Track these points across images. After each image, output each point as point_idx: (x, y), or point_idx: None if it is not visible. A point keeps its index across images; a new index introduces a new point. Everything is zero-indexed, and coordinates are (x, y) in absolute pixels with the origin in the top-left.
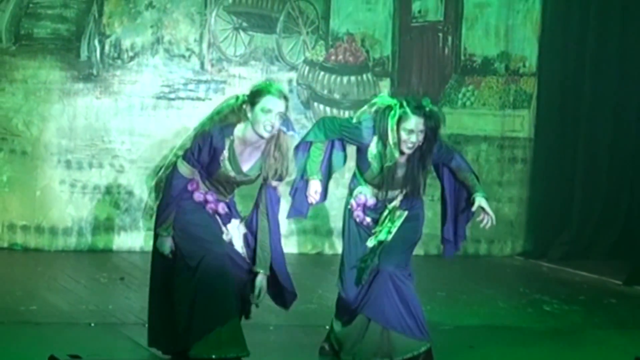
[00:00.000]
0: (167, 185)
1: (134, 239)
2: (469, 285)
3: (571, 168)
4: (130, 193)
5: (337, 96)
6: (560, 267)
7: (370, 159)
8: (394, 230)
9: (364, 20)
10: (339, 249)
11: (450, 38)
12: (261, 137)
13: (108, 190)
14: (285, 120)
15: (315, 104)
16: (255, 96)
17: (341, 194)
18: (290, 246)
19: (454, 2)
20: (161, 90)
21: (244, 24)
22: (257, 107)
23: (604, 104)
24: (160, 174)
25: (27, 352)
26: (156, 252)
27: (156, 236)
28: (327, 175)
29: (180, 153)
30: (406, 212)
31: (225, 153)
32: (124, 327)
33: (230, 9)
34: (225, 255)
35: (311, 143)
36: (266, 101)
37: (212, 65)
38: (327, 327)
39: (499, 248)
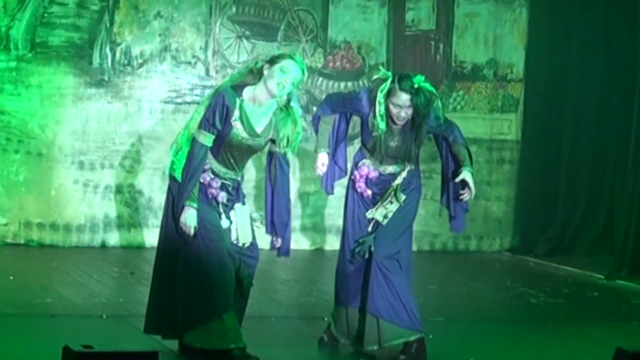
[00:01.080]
0: (188, 158)
1: (144, 236)
2: (460, 280)
3: (556, 169)
4: (139, 192)
5: None
6: (546, 262)
7: (371, 128)
8: (390, 215)
9: (360, 29)
10: (337, 245)
11: (441, 46)
12: (271, 94)
13: (119, 190)
14: (294, 94)
15: (314, 108)
16: (278, 57)
17: (339, 193)
18: (291, 242)
19: (445, 12)
20: (169, 95)
21: (247, 33)
22: (277, 66)
23: (587, 108)
24: (180, 136)
25: (43, 343)
26: (163, 237)
27: (182, 209)
28: (335, 148)
29: (202, 110)
30: (404, 196)
31: (237, 112)
32: (134, 318)
33: (233, 19)
34: (225, 250)
35: (319, 118)
36: (287, 63)
37: (217, 72)
38: (326, 318)
39: (488, 244)
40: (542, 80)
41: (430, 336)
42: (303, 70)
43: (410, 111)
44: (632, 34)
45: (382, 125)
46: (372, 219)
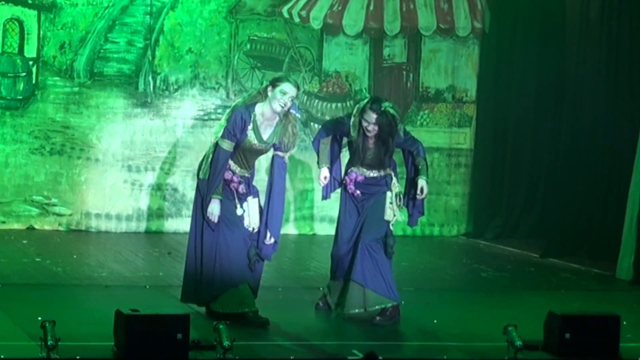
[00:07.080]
0: (212, 161)
1: (178, 224)
2: (426, 258)
3: (501, 171)
4: (175, 189)
5: (327, 118)
6: (493, 244)
7: (354, 146)
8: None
9: (348, 61)
10: (331, 231)
11: (411, 75)
12: (275, 111)
13: (159, 187)
14: (294, 105)
15: (312, 123)
16: (277, 80)
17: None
18: (293, 229)
19: (414, 49)
20: (198, 114)
21: (259, 65)
22: (277, 89)
23: (525, 123)
24: (208, 151)
25: (99, 307)
26: (194, 226)
27: (209, 201)
28: (332, 163)
29: (224, 123)
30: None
31: (250, 125)
32: (171, 289)
33: (248, 53)
34: (241, 235)
35: (319, 141)
36: (285, 85)
37: (235, 95)
38: (321, 288)
39: (448, 230)
40: (490, 102)
41: (403, 302)
42: (298, 86)
43: (376, 127)
44: (560, 66)
45: (354, 133)
46: (359, 214)
